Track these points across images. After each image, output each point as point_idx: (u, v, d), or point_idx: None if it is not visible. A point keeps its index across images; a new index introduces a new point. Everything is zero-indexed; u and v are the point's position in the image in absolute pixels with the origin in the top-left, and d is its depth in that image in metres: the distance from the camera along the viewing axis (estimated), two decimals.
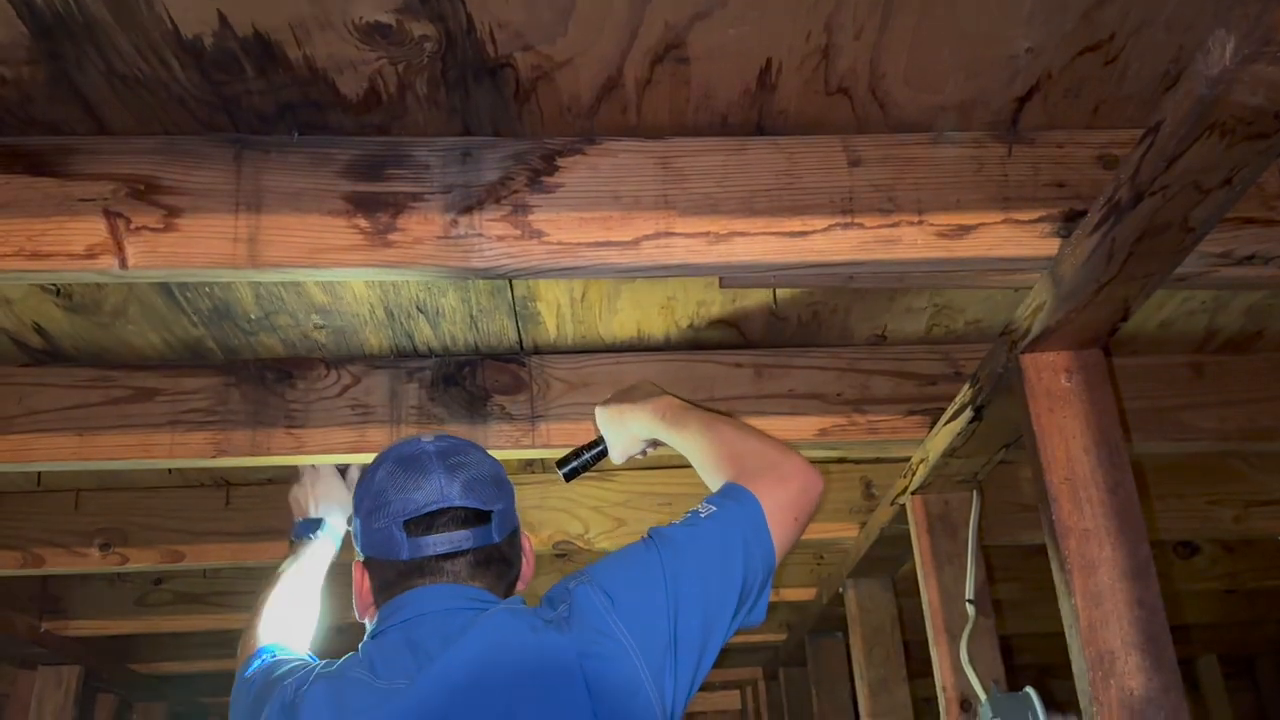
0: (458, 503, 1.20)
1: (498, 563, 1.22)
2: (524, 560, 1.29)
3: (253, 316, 1.68)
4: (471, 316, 1.72)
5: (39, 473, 2.22)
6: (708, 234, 1.28)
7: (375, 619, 1.22)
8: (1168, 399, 1.86)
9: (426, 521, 1.19)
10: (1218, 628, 3.43)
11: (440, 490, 1.20)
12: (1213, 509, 2.36)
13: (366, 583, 1.25)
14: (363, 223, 1.25)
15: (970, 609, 1.82)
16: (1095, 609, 1.27)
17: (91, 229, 1.23)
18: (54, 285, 1.56)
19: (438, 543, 1.19)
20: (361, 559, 1.26)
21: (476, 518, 1.20)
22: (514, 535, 1.26)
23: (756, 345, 1.88)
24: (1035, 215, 1.30)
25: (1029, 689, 1.66)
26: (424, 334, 1.76)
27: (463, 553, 1.19)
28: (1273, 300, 1.75)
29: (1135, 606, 1.27)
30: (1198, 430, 1.85)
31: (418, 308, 1.68)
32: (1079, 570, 1.29)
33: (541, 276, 1.29)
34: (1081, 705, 1.27)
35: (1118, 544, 1.30)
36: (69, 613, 2.79)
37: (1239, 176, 1.06)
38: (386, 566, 1.21)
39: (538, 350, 1.85)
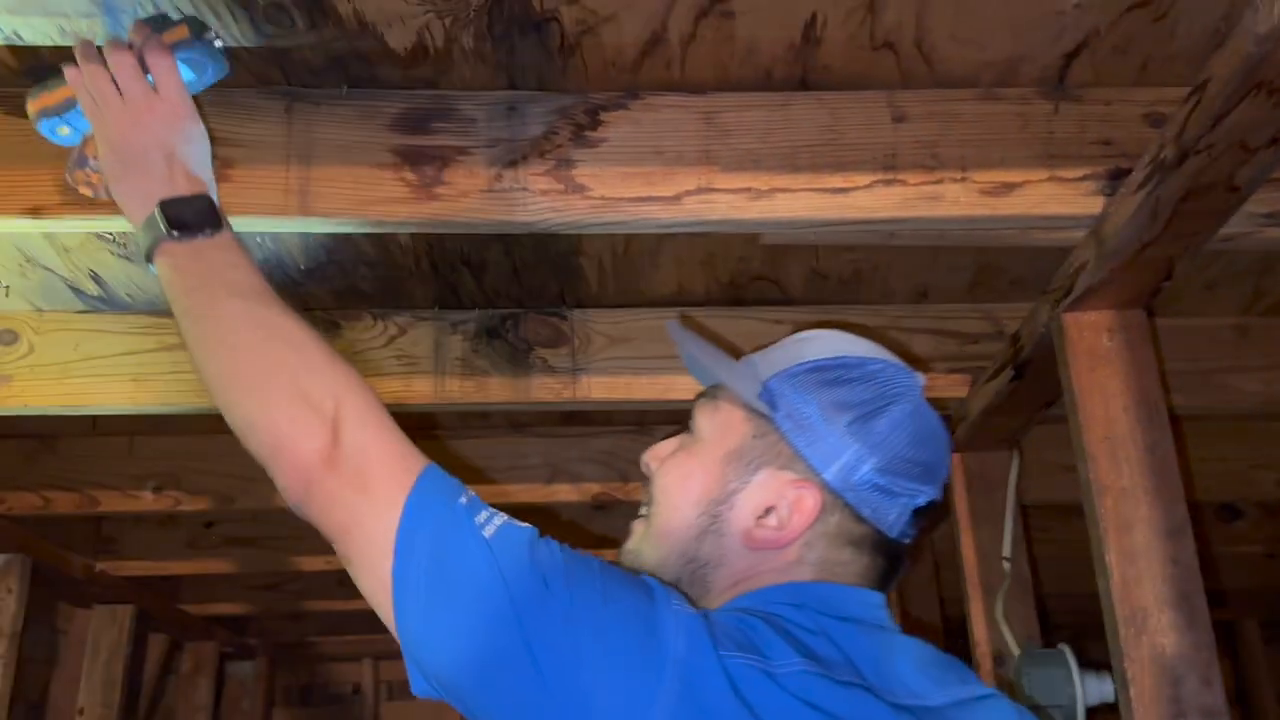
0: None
1: None
2: None
3: (302, 267, 1.71)
4: (515, 269, 1.74)
5: (94, 417, 2.28)
6: (749, 190, 1.29)
7: (821, 591, 0.87)
8: (1211, 361, 1.85)
9: (932, 509, 0.93)
10: (1258, 593, 3.41)
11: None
12: (1255, 473, 2.34)
13: (812, 518, 0.88)
14: (409, 175, 1.27)
15: (1007, 566, 1.83)
16: (1130, 566, 1.28)
17: None
18: (109, 233, 1.60)
19: (915, 533, 0.93)
20: (823, 486, 0.88)
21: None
22: None
23: (797, 302, 1.88)
24: (1080, 173, 1.29)
25: (1063, 646, 1.67)
26: (468, 286, 1.79)
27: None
28: None
29: (1170, 565, 1.28)
30: (1241, 393, 1.84)
31: (462, 260, 1.70)
32: (1114, 528, 1.30)
33: (584, 230, 1.30)
34: (1113, 662, 1.29)
35: (1154, 503, 1.31)
36: (123, 553, 2.88)
37: None
38: (848, 523, 0.89)
39: (579, 304, 1.87)
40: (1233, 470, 2.35)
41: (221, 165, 1.27)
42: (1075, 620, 3.53)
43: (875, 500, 0.89)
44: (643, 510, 0.97)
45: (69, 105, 1.11)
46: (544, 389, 1.85)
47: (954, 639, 2.59)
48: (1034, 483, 2.23)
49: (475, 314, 1.86)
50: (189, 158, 1.08)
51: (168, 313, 1.81)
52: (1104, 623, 1.31)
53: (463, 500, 0.83)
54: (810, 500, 0.88)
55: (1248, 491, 2.41)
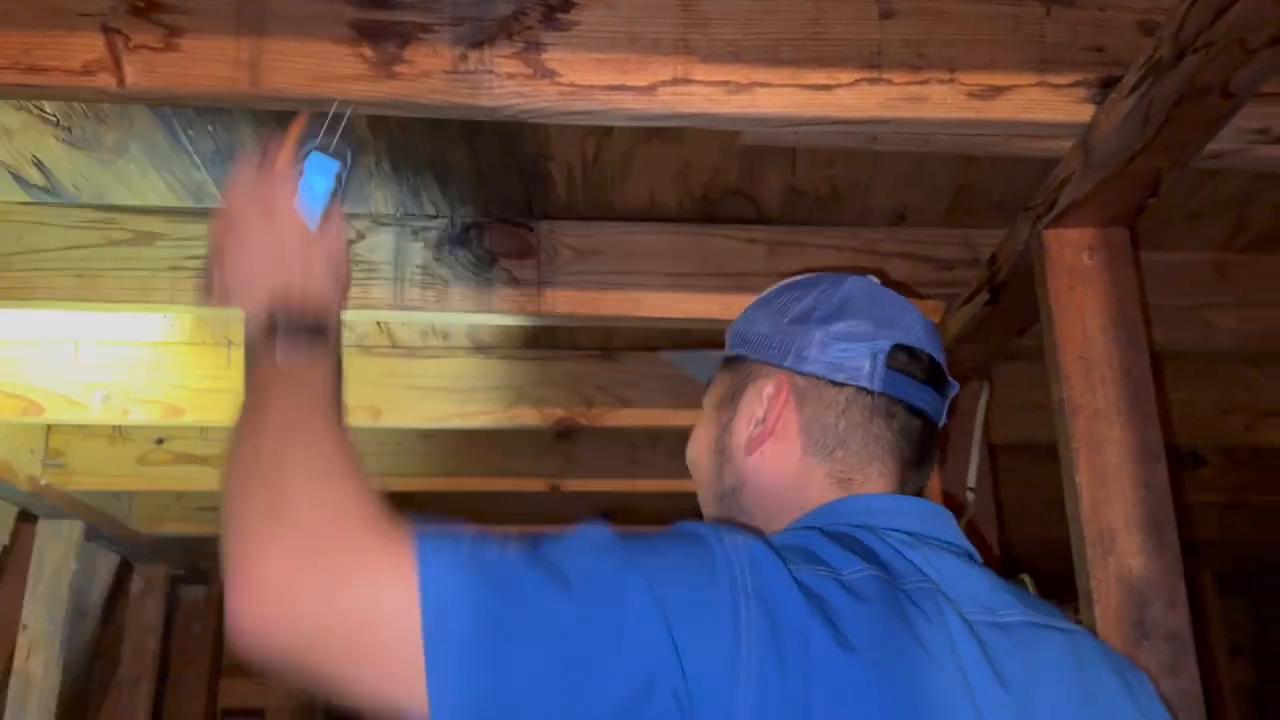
0: (929, 350, 0.94)
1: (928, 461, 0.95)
2: None
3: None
4: (481, 174, 1.67)
5: (40, 319, 2.20)
6: (728, 83, 1.23)
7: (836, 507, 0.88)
8: (1190, 296, 1.82)
9: (916, 359, 0.93)
10: (1216, 544, 3.44)
11: (931, 333, 0.96)
12: (1224, 418, 2.33)
13: (784, 400, 0.92)
14: (368, 52, 1.20)
15: (971, 497, 1.81)
16: (1099, 487, 1.25)
17: (90, 44, 1.18)
18: (54, 115, 1.51)
19: (921, 394, 0.93)
20: (789, 374, 0.93)
21: (943, 381, 0.96)
22: None
23: (772, 221, 1.83)
24: (1071, 80, 1.24)
25: (1025, 576, 1.65)
26: (431, 191, 1.72)
27: (925, 422, 0.93)
28: None
29: (1141, 488, 1.25)
30: (1218, 330, 1.81)
31: (425, 160, 1.63)
32: (1086, 449, 1.27)
33: (553, 119, 1.24)
34: (1079, 583, 1.26)
35: (1128, 425, 1.27)
36: (70, 468, 2.80)
37: None
38: (829, 393, 0.91)
39: (547, 215, 1.81)
40: (1201, 415, 2.34)
41: (168, 34, 1.19)
42: (1039, 566, 3.53)
43: (839, 359, 0.92)
44: None
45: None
46: (507, 301, 1.79)
47: None
48: (1002, 421, 2.21)
49: (438, 221, 1.80)
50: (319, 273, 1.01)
51: (115, 207, 1.76)
52: (1071, 546, 1.29)
53: (471, 539, 0.74)
54: (773, 386, 0.94)
55: (1213, 438, 2.39)
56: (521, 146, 1.60)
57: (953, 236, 1.82)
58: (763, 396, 0.94)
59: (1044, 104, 1.24)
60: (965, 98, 1.23)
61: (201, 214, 1.75)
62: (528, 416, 2.38)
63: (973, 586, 0.81)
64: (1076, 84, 1.24)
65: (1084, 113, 1.24)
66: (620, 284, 1.80)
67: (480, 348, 2.37)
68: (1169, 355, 2.13)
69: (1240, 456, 2.85)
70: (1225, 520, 3.19)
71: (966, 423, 1.85)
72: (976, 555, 0.89)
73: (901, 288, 1.80)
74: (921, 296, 1.82)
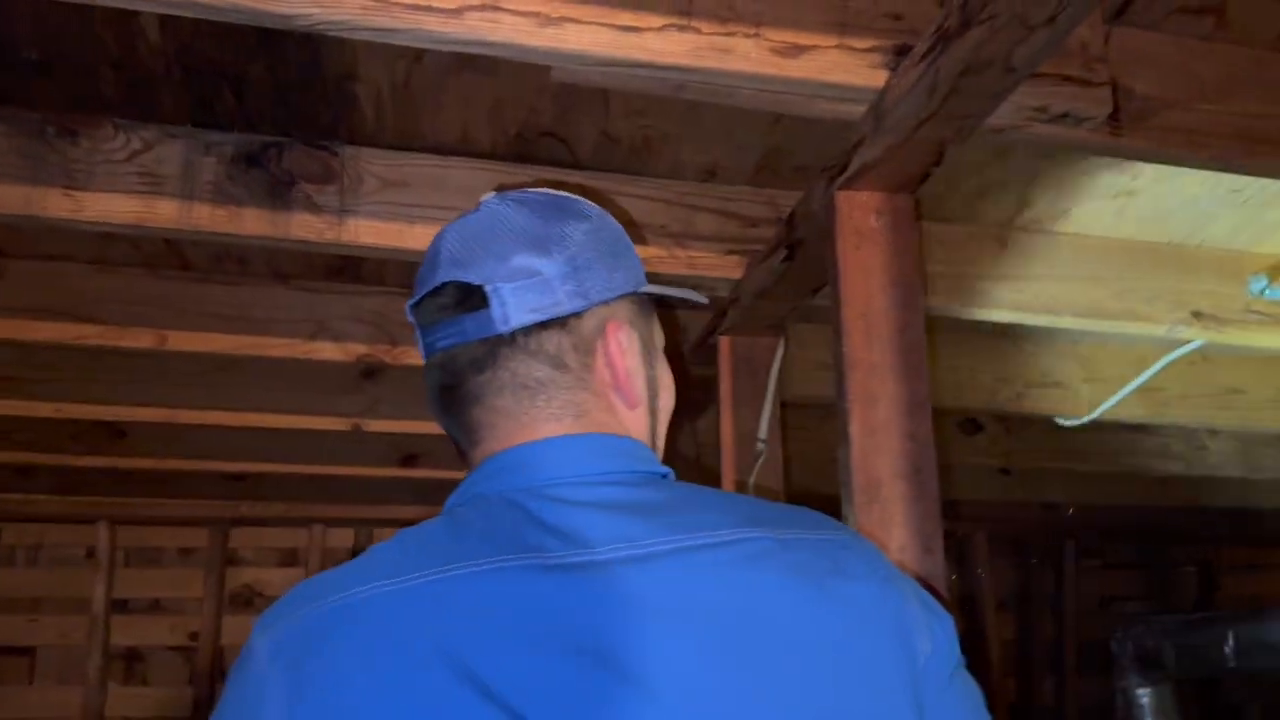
0: (439, 279, 0.85)
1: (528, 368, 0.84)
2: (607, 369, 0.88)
3: (35, 58, 1.51)
4: (280, 90, 1.60)
5: None
6: (538, 15, 1.21)
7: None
8: (971, 266, 1.92)
9: (426, 304, 0.87)
10: (990, 506, 3.68)
11: (430, 264, 0.87)
12: (999, 386, 2.48)
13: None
14: None
15: (762, 446, 1.87)
16: (870, 438, 1.31)
17: None
18: None
19: (455, 328, 0.84)
20: None
21: (462, 297, 0.84)
22: (561, 325, 0.85)
23: (585, 167, 1.83)
24: (869, 44, 1.29)
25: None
26: (227, 103, 1.64)
27: (451, 350, 0.85)
28: (1081, 177, 1.81)
29: (908, 440, 1.32)
30: (994, 300, 1.92)
31: (220, 71, 1.55)
32: (860, 401, 1.33)
33: (352, 34, 1.20)
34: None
35: (900, 380, 1.34)
36: None
37: (1063, 16, 1.06)
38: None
39: (353, 140, 1.75)
40: (979, 383, 2.48)
41: None
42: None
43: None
44: None
45: None
46: (305, 227, 1.72)
47: None
48: (795, 379, 2.29)
49: (233, 136, 1.71)
50: None
51: None
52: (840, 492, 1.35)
53: None
54: None
55: (989, 405, 2.54)
56: (326, 64, 1.54)
57: (759, 195, 1.87)
58: None
59: (842, 66, 1.28)
60: (769, 54, 1.26)
61: None
62: (328, 351, 2.32)
63: (618, 527, 0.76)
64: (873, 49, 1.28)
65: (879, 78, 1.28)
66: (429, 217, 1.76)
67: (280, 276, 2.29)
68: (951, 323, 2.24)
69: (1012, 424, 3.05)
70: (1000, 484, 3.42)
71: (761, 377, 1.91)
72: (666, 472, 0.87)
73: (707, 242, 1.84)
74: (731, 252, 1.86)
